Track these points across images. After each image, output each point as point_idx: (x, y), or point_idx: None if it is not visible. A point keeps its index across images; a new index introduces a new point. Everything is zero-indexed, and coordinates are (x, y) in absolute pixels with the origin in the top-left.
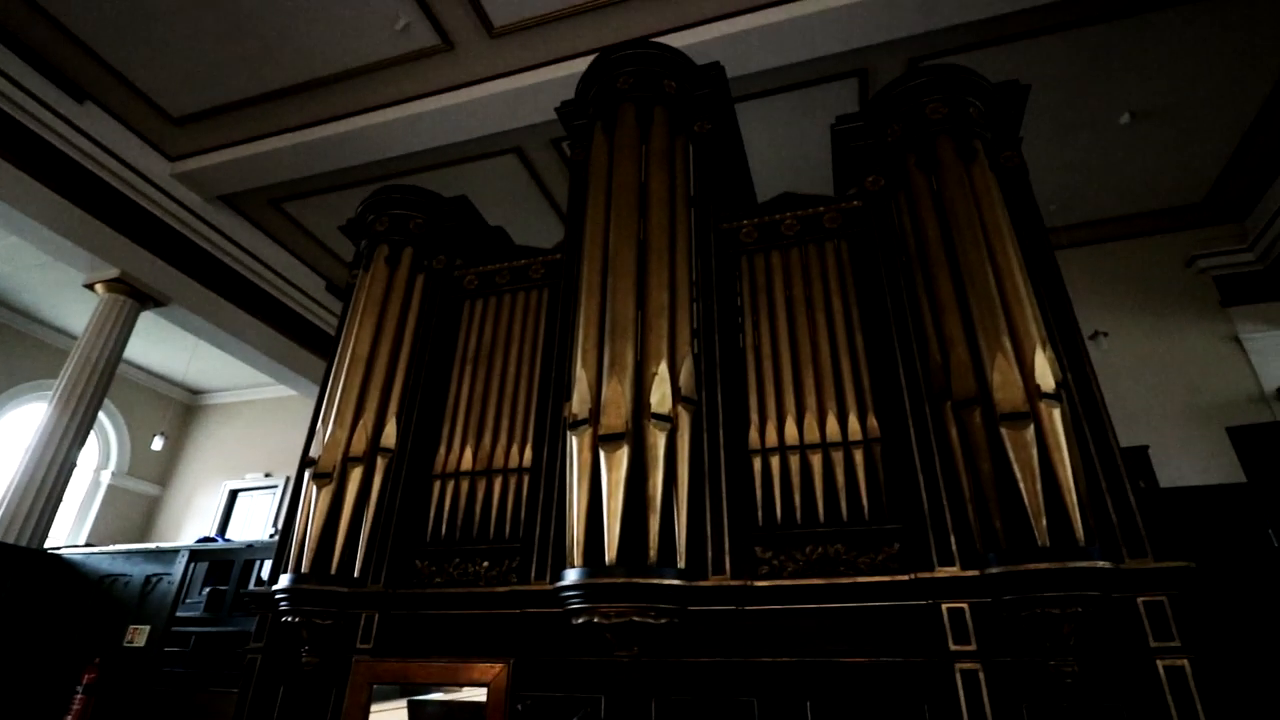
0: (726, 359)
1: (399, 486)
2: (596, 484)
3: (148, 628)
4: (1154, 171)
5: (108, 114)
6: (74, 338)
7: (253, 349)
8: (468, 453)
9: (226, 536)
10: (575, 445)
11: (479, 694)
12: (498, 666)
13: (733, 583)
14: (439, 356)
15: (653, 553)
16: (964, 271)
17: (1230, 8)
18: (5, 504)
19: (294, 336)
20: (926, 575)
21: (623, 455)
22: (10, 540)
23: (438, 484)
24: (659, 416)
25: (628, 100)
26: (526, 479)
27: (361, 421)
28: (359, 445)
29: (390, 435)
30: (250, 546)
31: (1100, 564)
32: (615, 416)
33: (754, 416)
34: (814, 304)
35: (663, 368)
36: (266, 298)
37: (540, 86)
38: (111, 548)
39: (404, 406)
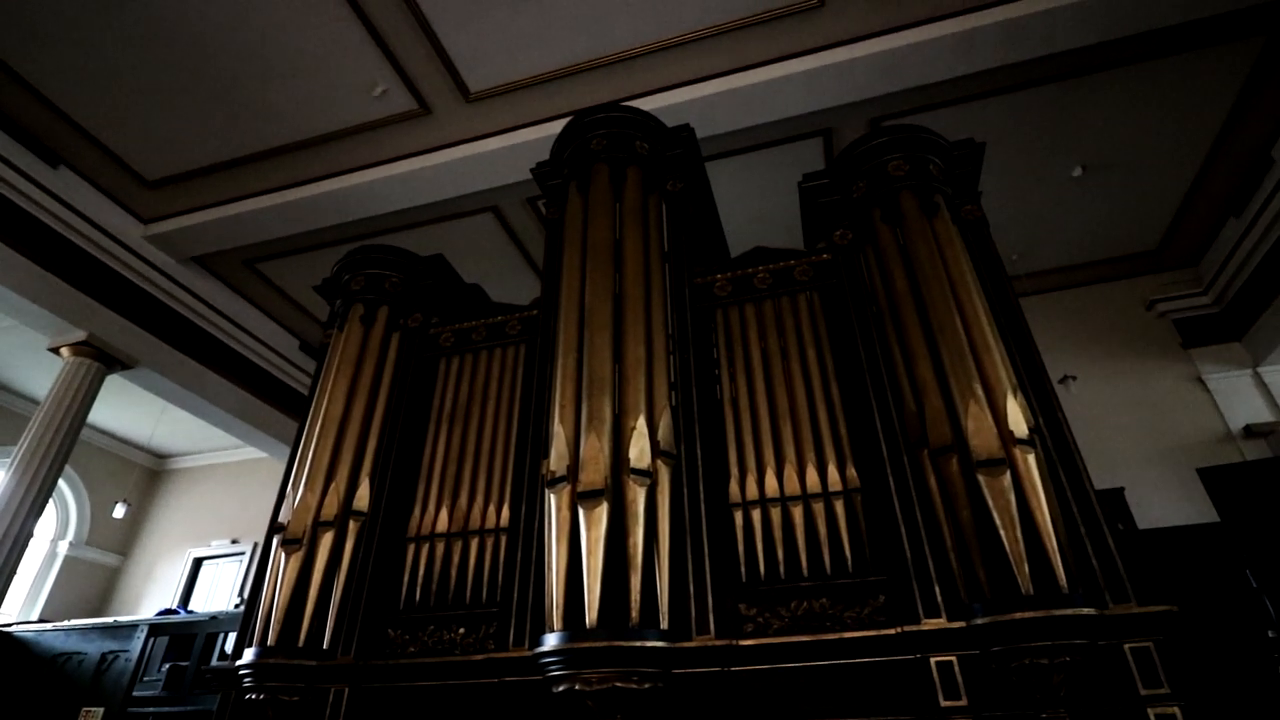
0: (704, 412)
1: (371, 551)
2: (576, 542)
3: (101, 710)
4: (1108, 220)
5: (81, 177)
6: (35, 402)
7: (223, 411)
8: (443, 514)
9: (189, 608)
10: (554, 503)
11: None
12: None
13: (717, 642)
14: (414, 415)
15: (635, 613)
16: (933, 321)
17: (1164, 69)
18: None
19: (266, 397)
20: (913, 628)
21: (602, 512)
22: None
23: (412, 547)
24: (638, 472)
25: (601, 160)
26: (504, 539)
27: (334, 484)
28: (330, 508)
29: (363, 497)
30: (214, 619)
31: (1085, 610)
32: (594, 473)
33: (734, 469)
34: (789, 355)
35: (641, 422)
36: (238, 358)
37: (516, 148)
38: (66, 624)
39: (378, 467)
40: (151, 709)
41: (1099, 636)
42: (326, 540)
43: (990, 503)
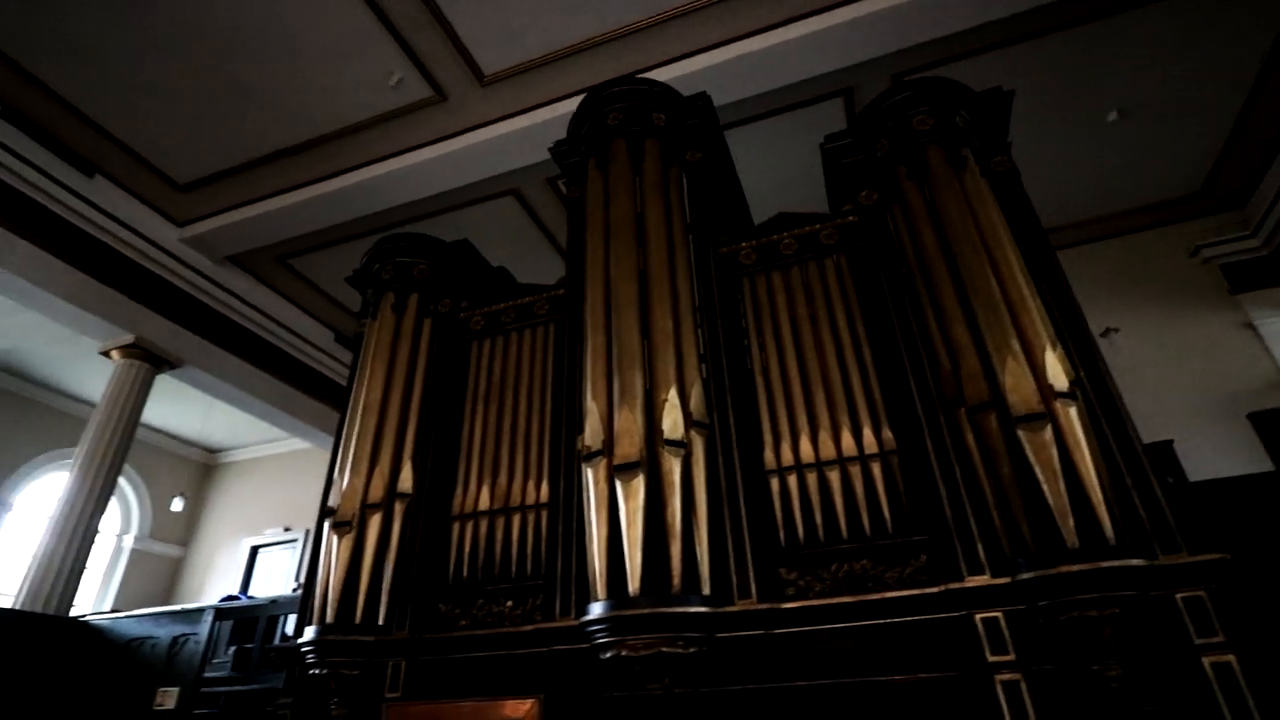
0: (735, 381)
1: (418, 530)
2: (615, 514)
3: (177, 689)
4: (1147, 165)
5: (116, 185)
6: (92, 405)
7: (266, 404)
8: (484, 492)
9: (249, 594)
10: (591, 477)
11: None
12: (528, 703)
13: (760, 606)
14: (450, 398)
15: (676, 581)
16: (965, 278)
17: (1200, 1)
18: (31, 574)
19: (306, 389)
20: (956, 586)
21: (639, 484)
22: (38, 609)
23: (457, 525)
24: (672, 443)
25: (619, 135)
26: (544, 514)
27: (377, 468)
28: (376, 492)
29: (407, 480)
30: (274, 602)
31: (1133, 562)
32: (629, 446)
33: (767, 437)
34: (818, 320)
35: (673, 394)
36: (277, 353)
37: (533, 129)
38: (137, 611)
39: (419, 450)
40: (222, 688)
41: (1149, 587)
42: (375, 522)
43: (1032, 458)
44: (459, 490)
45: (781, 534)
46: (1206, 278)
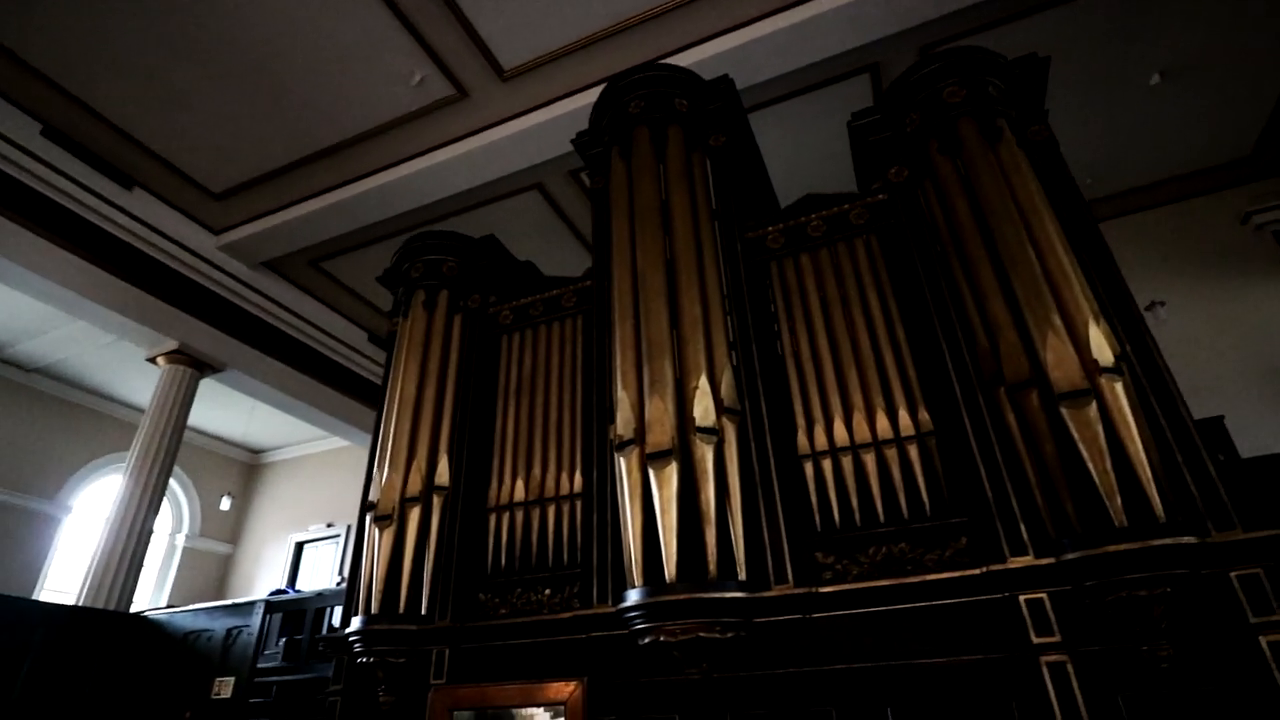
0: (766, 366)
1: (456, 522)
2: (649, 503)
3: (232, 679)
4: (1193, 130)
5: (154, 196)
6: (142, 410)
7: (305, 404)
8: (519, 484)
9: (296, 587)
10: (624, 466)
11: None
12: (572, 685)
13: (797, 591)
14: (483, 393)
15: (712, 567)
16: (1003, 252)
17: None
18: (91, 573)
19: (343, 389)
20: (999, 567)
21: (672, 472)
22: (99, 606)
23: (493, 516)
24: (704, 430)
25: (641, 123)
26: (579, 504)
27: (415, 462)
28: (414, 485)
29: (443, 473)
30: (320, 595)
31: (1185, 540)
32: (661, 434)
33: (800, 421)
34: (849, 302)
35: (703, 381)
36: (314, 354)
37: (555, 121)
38: (192, 606)
39: (454, 444)
40: (275, 678)
41: (1201, 566)
42: (414, 515)
43: (1076, 435)
44: (494, 482)
45: (817, 518)
46: (1258, 245)
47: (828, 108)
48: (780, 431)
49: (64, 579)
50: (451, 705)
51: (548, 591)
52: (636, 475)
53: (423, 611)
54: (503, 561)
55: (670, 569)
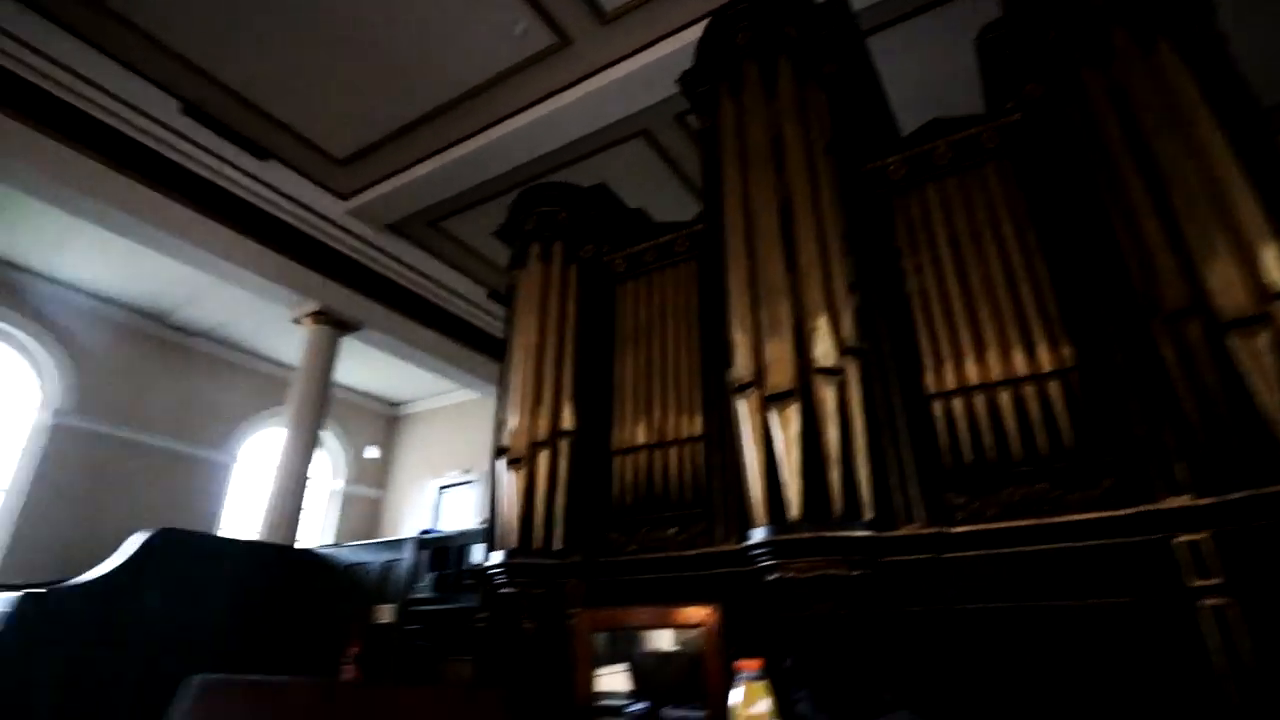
0: (889, 304)
1: (582, 464)
2: (770, 444)
3: (390, 606)
4: None
5: (286, 166)
6: (292, 368)
7: (435, 359)
8: (640, 427)
9: (439, 528)
10: (743, 409)
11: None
12: (708, 609)
13: (926, 531)
14: (601, 340)
15: (836, 506)
16: (1160, 169)
17: None
18: (268, 511)
19: (467, 343)
20: (1150, 507)
21: (793, 413)
22: (274, 541)
23: (617, 459)
24: (825, 370)
25: (748, 57)
26: (700, 446)
27: (540, 408)
28: (541, 430)
29: (568, 418)
30: (463, 534)
31: None
32: (780, 375)
33: (927, 360)
34: (980, 233)
35: (822, 321)
36: (439, 311)
37: (659, 63)
38: (352, 543)
39: (577, 391)
40: (426, 607)
41: None
42: (543, 458)
43: (1244, 366)
44: (616, 427)
45: (948, 458)
46: None
47: (951, 24)
48: (906, 371)
49: (237, 521)
50: (594, 628)
51: (673, 530)
52: (757, 417)
53: (556, 548)
54: (628, 501)
55: (794, 509)
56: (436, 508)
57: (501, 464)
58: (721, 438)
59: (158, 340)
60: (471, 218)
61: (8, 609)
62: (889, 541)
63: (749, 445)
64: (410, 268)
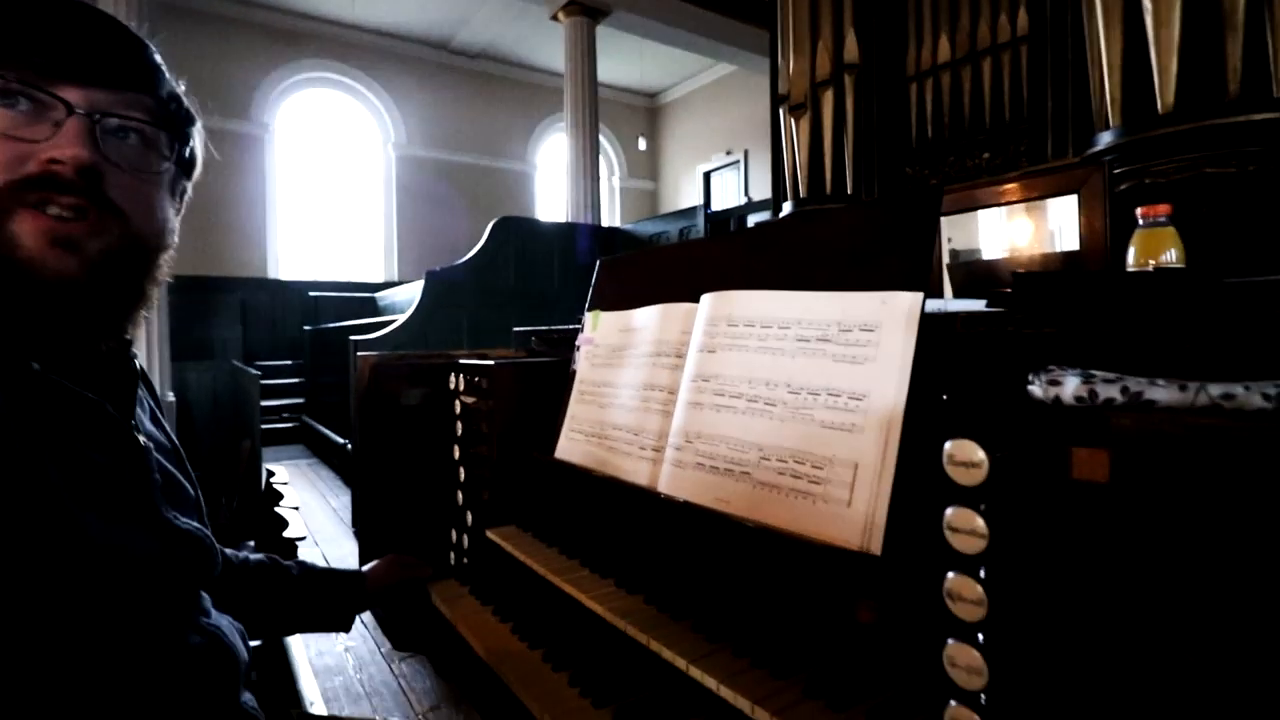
0: None
1: (872, 98)
2: (1137, 23)
3: None
4: None
5: None
6: (558, 75)
7: (688, 33)
8: (943, 42)
9: (711, 208)
10: None
11: None
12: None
13: None
14: None
15: (1233, 83)
16: None
17: None
18: (568, 203)
19: (721, 8)
20: None
21: None
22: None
23: (914, 86)
24: None
25: None
26: (1025, 49)
27: (820, 42)
28: (823, 68)
29: (852, 49)
30: (740, 206)
31: None
32: None
33: None
34: None
35: None
36: None
37: None
38: (648, 218)
39: (859, 13)
40: None
41: None
42: (827, 98)
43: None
44: (911, 47)
45: None
46: None
47: None
48: None
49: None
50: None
51: (987, 155)
52: None
53: (848, 190)
54: (929, 132)
55: (1165, 98)
56: (706, 191)
57: (783, 112)
58: (1058, 30)
59: (448, 68)
60: None
61: (421, 285)
62: None
63: (1103, 31)
64: None
